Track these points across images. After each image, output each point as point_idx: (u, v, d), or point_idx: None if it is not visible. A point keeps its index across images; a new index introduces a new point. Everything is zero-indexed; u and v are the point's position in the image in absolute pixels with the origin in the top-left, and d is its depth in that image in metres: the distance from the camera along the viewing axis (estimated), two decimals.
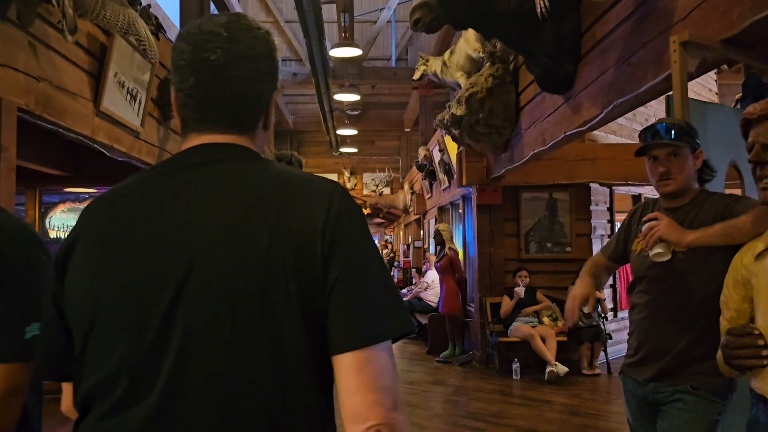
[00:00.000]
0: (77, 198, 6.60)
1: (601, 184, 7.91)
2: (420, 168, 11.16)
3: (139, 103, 5.14)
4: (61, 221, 6.51)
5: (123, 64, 4.71)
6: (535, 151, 5.49)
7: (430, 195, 11.88)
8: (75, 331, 0.94)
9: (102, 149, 4.68)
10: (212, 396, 0.85)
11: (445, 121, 6.58)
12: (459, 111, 6.16)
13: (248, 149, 1.00)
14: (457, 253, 8.43)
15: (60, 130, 3.99)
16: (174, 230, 0.91)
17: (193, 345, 0.86)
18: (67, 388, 1.02)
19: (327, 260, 0.88)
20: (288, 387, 0.87)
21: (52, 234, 6.49)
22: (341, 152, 17.01)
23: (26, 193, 6.32)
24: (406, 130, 17.86)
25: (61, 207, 6.53)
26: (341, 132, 14.93)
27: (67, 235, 1.00)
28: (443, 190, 10.20)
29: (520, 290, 7.12)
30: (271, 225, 0.89)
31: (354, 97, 12.56)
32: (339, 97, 12.13)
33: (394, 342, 0.90)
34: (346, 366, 0.86)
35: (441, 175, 9.90)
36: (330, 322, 0.88)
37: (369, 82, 13.44)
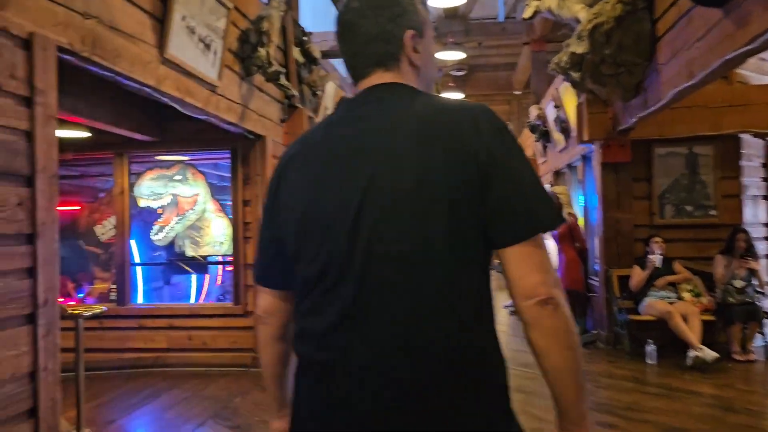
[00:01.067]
0: (165, 165, 6.30)
1: (754, 135, 6.61)
2: (532, 129, 10.14)
3: (215, 53, 4.64)
4: (150, 189, 6.24)
5: (192, 7, 4.20)
6: (677, 89, 4.46)
7: (544, 159, 10.83)
8: (288, 235, 1.18)
9: (171, 102, 4.21)
10: (397, 271, 1.07)
11: (562, 64, 5.63)
12: (580, 48, 5.19)
13: (400, 84, 1.20)
14: (576, 219, 7.44)
15: (116, 77, 3.52)
16: (355, 152, 1.13)
17: (377, 234, 1.07)
18: (269, 295, 1.31)
19: (485, 167, 1.06)
20: (452, 269, 1.07)
21: (141, 202, 6.24)
22: None
23: (114, 160, 6.08)
24: (516, 92, 16.66)
25: (150, 174, 6.26)
26: (444, 95, 14.08)
27: (276, 166, 1.26)
28: (559, 151, 9.15)
29: (656, 258, 6.06)
30: (431, 141, 1.09)
31: (459, 56, 11.66)
32: (442, 55, 11.28)
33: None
34: (515, 255, 1.07)
35: (556, 135, 8.86)
36: (495, 220, 1.07)
37: (475, 39, 12.46)
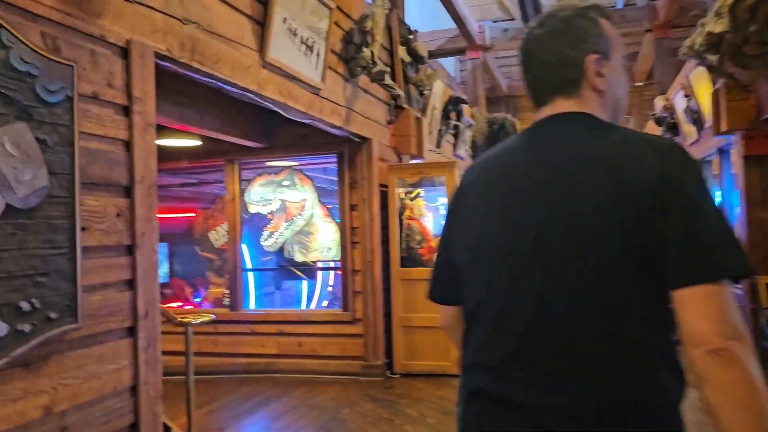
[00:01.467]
0: (273, 171, 6.31)
1: None
2: (658, 122, 9.33)
3: (317, 55, 4.52)
4: (259, 195, 6.28)
5: (292, 8, 4.09)
6: None
7: None
8: (461, 262, 1.21)
9: (274, 107, 4.13)
10: (573, 307, 1.04)
11: (696, 47, 5.03)
12: (718, 27, 4.58)
13: (582, 114, 1.17)
14: None
15: (217, 82, 3.46)
16: (534, 185, 1.11)
17: (552, 274, 1.05)
18: (446, 310, 1.35)
19: (665, 207, 1.00)
20: (629, 310, 1.03)
21: (252, 208, 6.29)
22: None
23: (225, 167, 6.17)
24: (637, 84, 15.57)
25: (259, 180, 6.29)
26: None
27: (455, 191, 1.29)
28: (690, 144, 8.33)
29: None
30: (612, 177, 1.03)
31: None
32: None
33: (735, 282, 0.99)
34: (689, 297, 0.97)
35: (686, 127, 8.06)
36: (671, 260, 0.99)
37: None
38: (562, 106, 1.18)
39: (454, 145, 9.37)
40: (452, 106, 8.33)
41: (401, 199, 5.97)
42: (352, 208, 5.80)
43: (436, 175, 5.94)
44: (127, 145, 2.69)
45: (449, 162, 5.97)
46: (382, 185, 5.86)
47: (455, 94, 8.48)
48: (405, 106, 6.36)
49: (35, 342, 2.14)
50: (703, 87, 6.88)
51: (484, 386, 1.13)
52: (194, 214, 6.76)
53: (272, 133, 6.00)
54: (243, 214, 6.22)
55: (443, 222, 1.30)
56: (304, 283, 6.84)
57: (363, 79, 5.48)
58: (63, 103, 2.31)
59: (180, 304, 7.22)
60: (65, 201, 2.30)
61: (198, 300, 7.10)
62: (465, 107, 9.07)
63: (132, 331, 2.66)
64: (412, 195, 6.03)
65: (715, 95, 6.06)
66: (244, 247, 6.32)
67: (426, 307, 5.66)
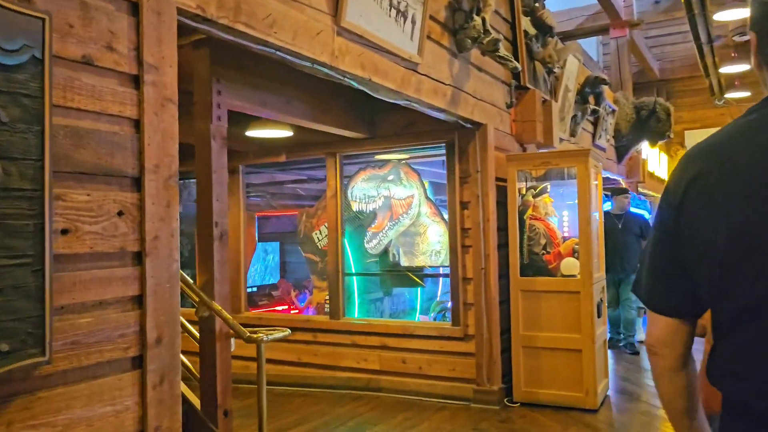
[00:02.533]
0: (377, 164, 5.65)
1: None
2: None
3: (413, 23, 3.77)
4: (363, 191, 5.64)
5: None
6: None
7: None
8: (701, 260, 1.05)
9: (354, 83, 3.44)
10: None
11: None
12: None
13: None
14: None
15: (275, 51, 2.83)
16: None
17: None
18: (663, 323, 1.17)
19: None
20: None
21: (354, 206, 5.67)
22: (726, 99, 13.39)
23: (327, 161, 5.60)
24: None
25: (362, 175, 5.66)
26: (726, 70, 11.48)
27: (676, 178, 1.12)
28: None
29: None
30: None
31: (742, 14, 9.29)
32: (720, 16, 9.07)
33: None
34: None
35: None
36: None
37: None
38: None
39: (593, 134, 8.20)
40: (590, 88, 7.21)
41: (522, 196, 5.05)
42: (463, 206, 4.98)
43: (566, 166, 4.95)
44: (136, 125, 2.11)
45: (582, 150, 4.96)
46: (499, 179, 4.98)
47: (594, 73, 7.34)
48: (529, 86, 5.43)
49: None
50: None
51: (750, 401, 1.01)
52: (296, 213, 6.29)
53: (374, 121, 5.34)
54: (345, 212, 5.63)
55: (659, 219, 1.14)
56: (419, 291, 6.12)
57: (475, 55, 4.65)
58: (27, 66, 1.75)
59: (285, 307, 6.80)
60: (30, 195, 1.75)
61: (303, 305, 6.63)
62: (606, 89, 7.88)
63: (139, 362, 2.09)
64: (537, 190, 5.09)
65: None
66: (348, 249, 5.73)
67: (553, 325, 4.72)
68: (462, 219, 4.98)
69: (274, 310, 6.63)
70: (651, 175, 12.34)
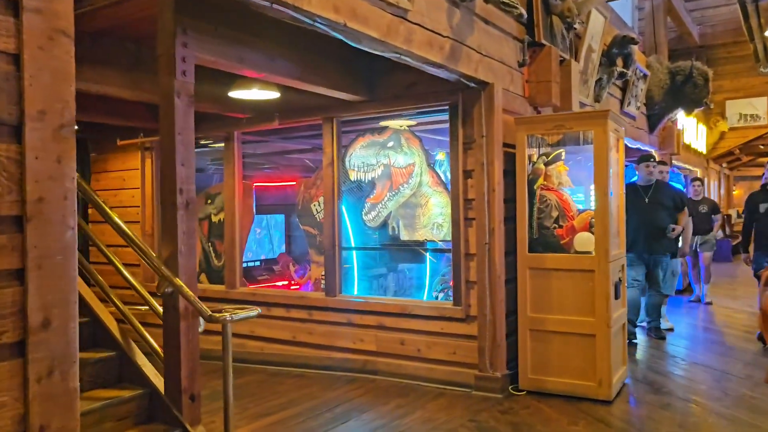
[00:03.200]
0: (376, 130, 5.21)
1: None
2: None
3: None
4: (361, 159, 5.21)
5: None
6: None
7: None
8: None
9: (329, 30, 3.01)
10: None
11: None
12: None
13: None
14: None
15: None
16: None
17: None
18: None
19: None
20: None
21: (352, 175, 5.25)
22: None
23: (323, 126, 5.18)
24: None
25: (360, 142, 5.23)
26: None
27: None
28: None
29: None
30: None
31: None
32: None
33: None
34: None
35: None
36: None
37: None
38: None
39: (621, 101, 7.59)
40: (617, 48, 6.60)
41: (533, 163, 4.56)
42: (467, 174, 4.51)
43: (581, 130, 4.43)
44: (16, 61, 1.72)
45: (599, 111, 4.41)
46: (507, 145, 4.50)
47: (622, 32, 6.72)
48: (545, 42, 4.89)
49: None
50: None
51: None
52: (293, 183, 5.90)
53: (372, 83, 4.89)
54: (343, 182, 5.21)
55: None
56: (427, 267, 5.69)
57: (480, 4, 4.15)
58: None
59: (286, 282, 6.46)
60: None
61: (300, 280, 6.28)
62: (637, 52, 7.24)
63: (20, 350, 1.73)
64: (549, 157, 4.59)
65: None
66: (348, 222, 5.33)
67: (564, 307, 4.26)
68: (465, 189, 4.52)
69: (274, 286, 6.30)
70: (687, 147, 11.59)
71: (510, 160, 4.49)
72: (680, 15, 12.20)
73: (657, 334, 6.07)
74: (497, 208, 4.40)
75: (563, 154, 4.60)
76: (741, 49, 12.65)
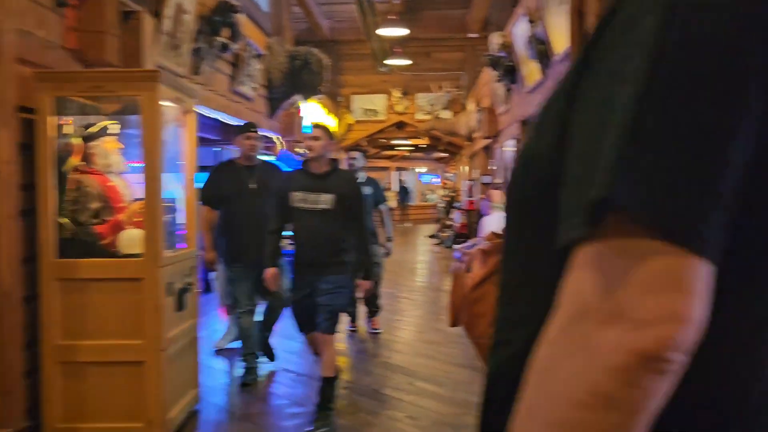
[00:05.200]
0: None
1: None
2: (493, 64, 7.55)
3: None
4: None
5: None
6: None
7: (506, 107, 8.26)
8: None
9: None
10: None
11: None
12: None
13: None
14: None
15: None
16: None
17: None
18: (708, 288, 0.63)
19: None
20: None
21: None
22: (387, 65, 13.42)
23: None
24: (470, 35, 13.99)
25: None
26: (385, 31, 11.17)
27: None
28: (530, 91, 6.57)
29: None
30: None
31: None
32: None
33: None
34: None
35: (529, 66, 6.27)
36: None
37: None
38: None
39: (232, 77, 6.85)
40: (220, 16, 5.80)
41: (66, 136, 3.37)
42: None
43: (125, 94, 3.40)
44: None
45: (148, 72, 3.44)
46: (24, 109, 3.22)
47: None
48: None
49: None
50: (554, 11, 5.03)
51: None
52: None
53: None
54: None
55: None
56: None
57: None
58: None
59: None
60: None
61: None
62: (244, 24, 6.57)
63: None
64: (91, 130, 3.46)
65: (577, 3, 4.15)
66: None
67: (106, 329, 3.20)
68: None
69: None
70: None
71: (28, 131, 3.22)
72: (308, 5, 12.18)
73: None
74: (8, 196, 3.10)
75: (111, 126, 3.50)
76: (365, 47, 13.29)
